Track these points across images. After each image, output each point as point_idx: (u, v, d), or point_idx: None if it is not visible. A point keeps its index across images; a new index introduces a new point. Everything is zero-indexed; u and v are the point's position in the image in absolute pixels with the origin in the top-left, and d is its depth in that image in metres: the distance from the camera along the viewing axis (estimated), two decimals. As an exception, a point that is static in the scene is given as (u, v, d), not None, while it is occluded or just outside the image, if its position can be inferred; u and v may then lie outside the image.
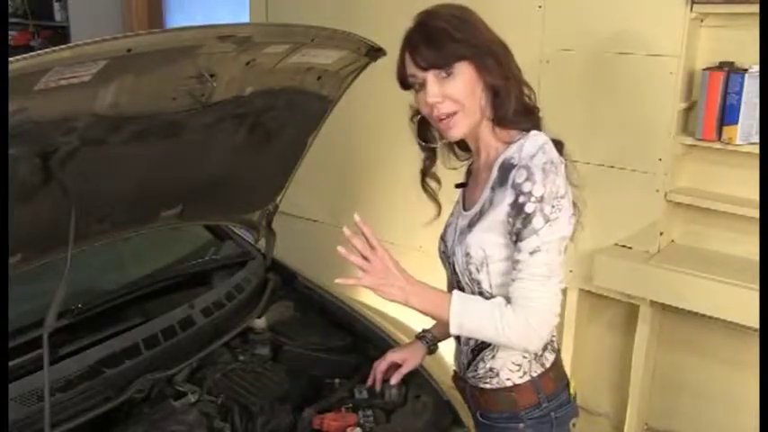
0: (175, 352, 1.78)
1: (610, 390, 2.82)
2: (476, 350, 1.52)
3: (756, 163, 2.23)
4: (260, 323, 2.03)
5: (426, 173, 1.56)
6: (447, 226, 1.56)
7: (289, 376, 1.83)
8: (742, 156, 2.34)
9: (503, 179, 1.38)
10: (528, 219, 1.33)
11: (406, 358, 1.71)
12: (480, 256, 1.42)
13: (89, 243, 1.71)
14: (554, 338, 1.54)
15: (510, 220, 1.36)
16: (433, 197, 1.57)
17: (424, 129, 1.50)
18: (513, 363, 1.48)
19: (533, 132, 1.40)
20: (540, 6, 2.61)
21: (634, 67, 2.45)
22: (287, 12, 3.26)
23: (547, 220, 1.33)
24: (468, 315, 1.40)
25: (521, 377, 1.49)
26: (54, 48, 1.17)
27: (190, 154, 1.69)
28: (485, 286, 1.44)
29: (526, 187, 1.33)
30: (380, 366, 1.72)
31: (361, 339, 2.01)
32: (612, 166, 2.57)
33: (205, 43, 1.40)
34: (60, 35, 5.19)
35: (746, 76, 2.27)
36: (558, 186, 1.34)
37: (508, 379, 1.49)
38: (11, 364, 1.51)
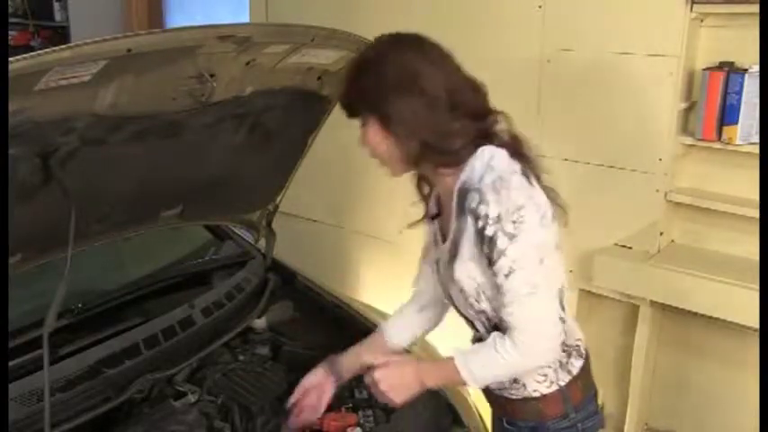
0: (175, 352, 1.78)
1: (610, 390, 2.82)
2: None
3: (756, 163, 2.23)
4: (260, 323, 2.03)
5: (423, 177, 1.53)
6: (436, 261, 1.53)
7: (289, 376, 1.82)
8: (742, 156, 2.34)
9: (461, 206, 1.36)
10: (492, 242, 1.30)
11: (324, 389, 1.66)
12: (473, 287, 1.41)
13: (89, 243, 1.71)
14: (579, 343, 1.51)
15: (478, 245, 1.34)
16: (425, 198, 1.54)
17: None
18: (538, 374, 1.46)
19: (481, 149, 1.36)
20: (540, 6, 2.61)
21: (634, 67, 2.45)
22: (287, 12, 3.26)
23: (511, 238, 1.29)
24: (475, 368, 1.40)
25: (548, 387, 1.47)
26: (54, 48, 1.17)
27: (190, 154, 1.69)
28: (490, 313, 1.43)
29: (482, 210, 1.30)
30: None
31: (361, 339, 2.01)
32: (612, 166, 2.57)
33: (205, 43, 1.40)
34: (60, 35, 5.19)
35: (746, 76, 2.27)
36: (514, 199, 1.30)
37: (535, 390, 1.47)
38: (11, 364, 1.51)
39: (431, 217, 1.54)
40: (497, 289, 1.35)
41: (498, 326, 1.41)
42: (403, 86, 1.32)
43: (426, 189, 1.53)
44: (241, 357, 1.90)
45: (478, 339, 1.50)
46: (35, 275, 1.65)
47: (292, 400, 1.65)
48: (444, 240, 1.46)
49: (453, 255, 1.41)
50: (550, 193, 1.41)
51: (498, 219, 1.29)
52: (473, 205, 1.31)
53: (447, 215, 1.45)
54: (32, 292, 1.74)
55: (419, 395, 1.77)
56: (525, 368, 1.41)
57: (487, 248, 1.32)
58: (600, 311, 2.77)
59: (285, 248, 2.29)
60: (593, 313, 2.78)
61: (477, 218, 1.31)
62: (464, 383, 1.43)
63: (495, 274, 1.34)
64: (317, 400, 1.64)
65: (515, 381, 1.47)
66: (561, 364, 1.47)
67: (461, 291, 1.43)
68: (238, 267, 2.16)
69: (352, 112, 1.40)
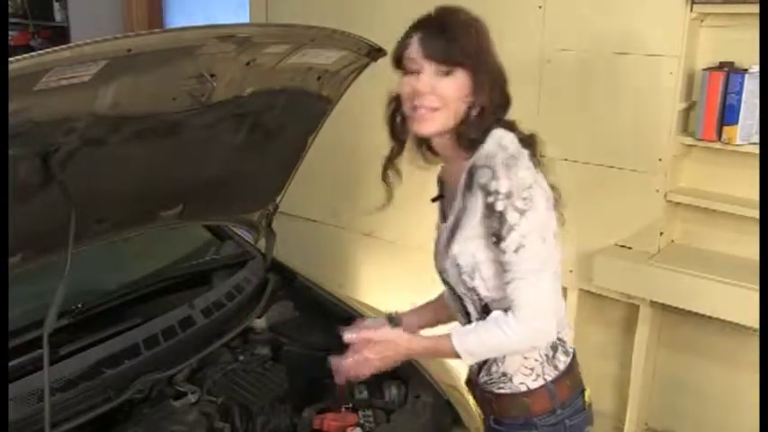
0: (175, 352, 1.78)
1: (610, 390, 2.82)
2: None
3: (756, 163, 2.23)
4: (260, 323, 2.03)
5: (390, 162, 1.55)
6: (435, 245, 1.55)
7: (289, 376, 1.83)
8: (742, 156, 2.34)
9: (469, 183, 1.39)
10: (502, 217, 1.33)
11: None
12: (470, 264, 1.42)
13: (89, 243, 1.71)
14: (565, 339, 1.52)
15: (486, 221, 1.36)
16: (389, 186, 1.56)
17: (396, 119, 1.50)
18: (525, 367, 1.47)
19: (493, 131, 1.40)
20: (540, 6, 2.61)
21: (634, 67, 2.45)
22: (287, 12, 3.26)
23: (522, 213, 1.33)
24: (470, 340, 1.41)
25: (534, 380, 1.48)
26: (54, 48, 1.17)
27: (190, 154, 1.69)
28: (482, 292, 1.44)
29: (492, 186, 1.33)
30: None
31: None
32: (612, 166, 2.57)
33: (205, 43, 1.40)
34: (60, 35, 5.19)
35: (746, 76, 2.27)
36: (524, 178, 1.34)
37: (522, 383, 1.48)
38: (11, 364, 1.51)
39: (432, 199, 1.58)
40: (501, 266, 1.37)
41: (488, 307, 1.43)
42: (491, 53, 1.43)
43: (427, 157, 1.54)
44: (241, 357, 1.90)
45: None
46: (35, 275, 1.65)
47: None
48: (445, 220, 1.49)
49: (454, 231, 1.43)
50: (553, 191, 1.45)
51: (509, 194, 1.32)
52: (483, 180, 1.34)
53: (451, 195, 1.48)
54: (32, 292, 1.73)
55: (418, 396, 1.78)
56: (520, 346, 1.40)
57: (497, 223, 1.34)
58: (600, 311, 2.78)
59: (285, 248, 2.29)
60: (593, 313, 2.78)
61: (487, 193, 1.34)
62: (451, 353, 1.43)
63: (503, 252, 1.35)
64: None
65: (503, 374, 1.48)
66: (548, 359, 1.48)
67: (457, 265, 1.44)
68: (238, 267, 2.16)
69: (450, 58, 1.39)
